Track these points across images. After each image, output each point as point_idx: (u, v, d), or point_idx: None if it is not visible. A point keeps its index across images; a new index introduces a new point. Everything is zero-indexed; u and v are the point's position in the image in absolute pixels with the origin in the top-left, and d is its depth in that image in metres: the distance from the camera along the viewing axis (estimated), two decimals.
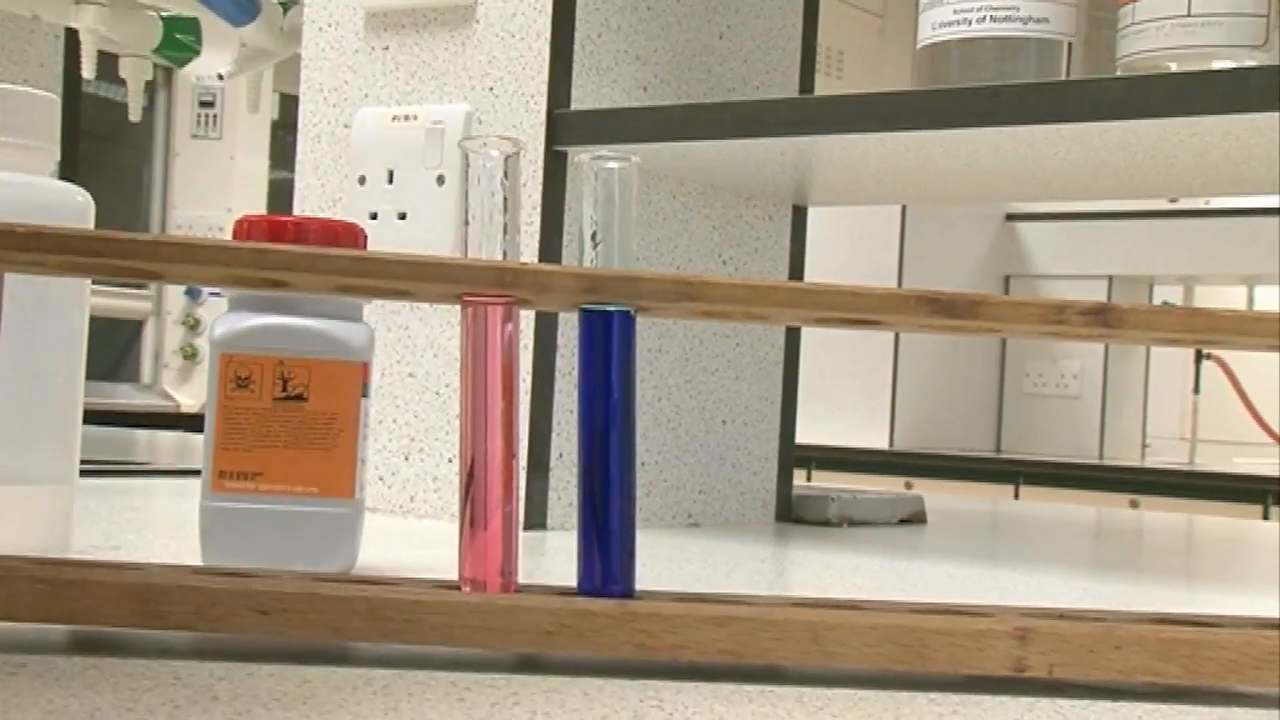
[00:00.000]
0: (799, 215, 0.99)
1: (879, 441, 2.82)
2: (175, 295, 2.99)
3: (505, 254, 0.44)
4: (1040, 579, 0.71)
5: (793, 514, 0.97)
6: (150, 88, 2.48)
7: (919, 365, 2.87)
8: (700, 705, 0.38)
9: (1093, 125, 0.70)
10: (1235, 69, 0.70)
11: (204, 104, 3.04)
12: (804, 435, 1.04)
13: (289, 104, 2.87)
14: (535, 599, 0.42)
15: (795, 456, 1.00)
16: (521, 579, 0.44)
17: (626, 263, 0.44)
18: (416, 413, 0.85)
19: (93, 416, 0.65)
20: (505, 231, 0.44)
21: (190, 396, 2.93)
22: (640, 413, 0.86)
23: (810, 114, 0.76)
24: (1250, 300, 3.12)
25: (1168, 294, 3.15)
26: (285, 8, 1.49)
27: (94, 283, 0.53)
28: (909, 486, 2.43)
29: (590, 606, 0.41)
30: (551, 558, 0.71)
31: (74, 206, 0.53)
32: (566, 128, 0.81)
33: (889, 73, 2.66)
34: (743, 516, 0.95)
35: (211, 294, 2.89)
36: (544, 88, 0.82)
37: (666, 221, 0.89)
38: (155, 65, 1.69)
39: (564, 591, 0.44)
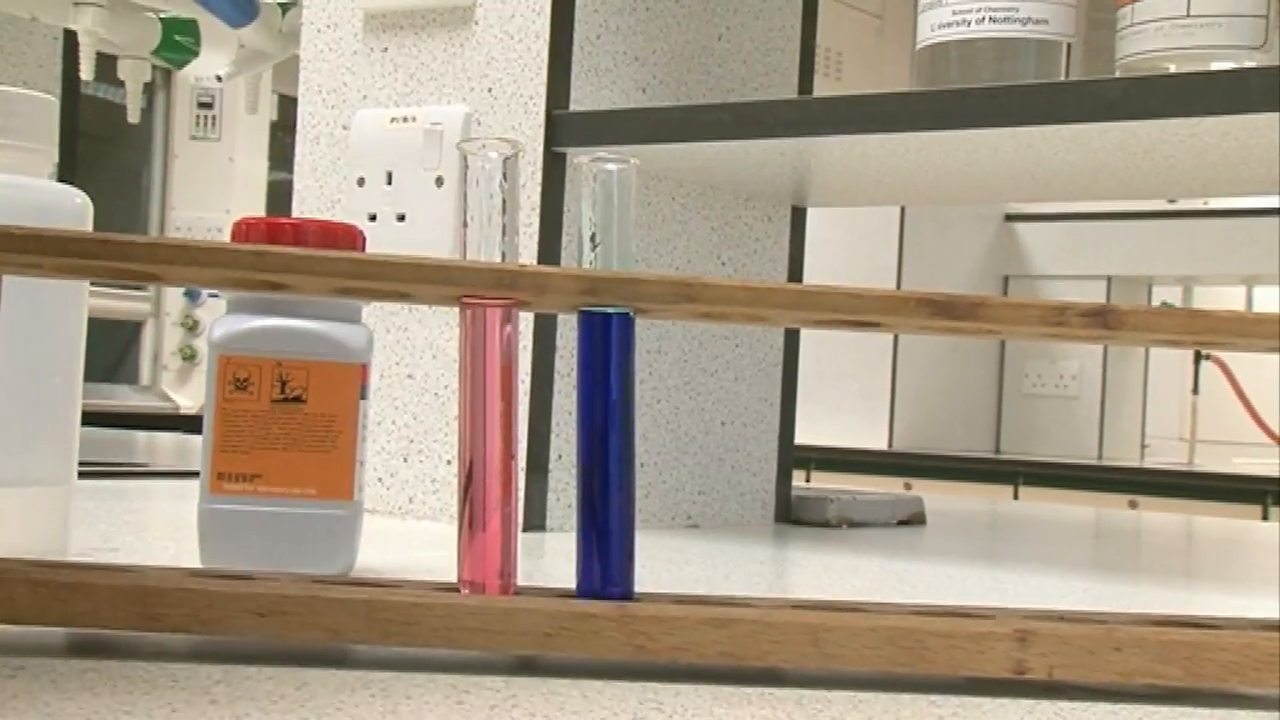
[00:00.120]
0: (798, 216, 0.99)
1: (878, 442, 2.82)
2: (174, 297, 2.99)
3: (504, 256, 0.44)
4: (1040, 580, 0.71)
5: (792, 515, 0.97)
6: (149, 89, 2.48)
7: (918, 366, 2.87)
8: (700, 707, 0.38)
9: (1092, 126, 0.70)
10: (1234, 70, 0.70)
11: (203, 105, 3.04)
12: (803, 436, 1.04)
13: (288, 105, 2.87)
14: (534, 601, 0.42)
15: (794, 458, 0.99)
16: (520, 581, 0.44)
17: (625, 264, 0.44)
18: (415, 414, 0.85)
19: (91, 418, 0.65)
20: (504, 233, 0.44)
21: (189, 398, 2.93)
22: (639, 414, 0.86)
23: (809, 115, 0.76)
24: (1249, 301, 3.12)
25: (1167, 294, 3.15)
26: (284, 9, 1.49)
27: (93, 284, 0.52)
28: (908, 487, 2.43)
29: (589, 608, 0.41)
30: (550, 559, 0.71)
31: (72, 208, 0.53)
32: (565, 129, 0.81)
33: (888, 74, 2.66)
34: (742, 518, 0.95)
35: (210, 295, 2.89)
36: (543, 89, 0.82)
37: (665, 223, 0.89)
38: (154, 67, 1.69)
39: (563, 593, 0.44)
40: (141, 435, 1.60)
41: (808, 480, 1.70)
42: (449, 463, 0.83)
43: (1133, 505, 2.50)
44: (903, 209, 2.77)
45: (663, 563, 0.70)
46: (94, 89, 2.74)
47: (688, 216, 0.90)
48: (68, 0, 1.48)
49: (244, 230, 0.54)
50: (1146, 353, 3.08)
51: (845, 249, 2.77)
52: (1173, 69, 0.72)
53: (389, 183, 0.86)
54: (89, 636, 0.42)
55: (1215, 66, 0.71)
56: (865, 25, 2.69)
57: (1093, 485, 2.61)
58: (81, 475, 0.55)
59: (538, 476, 0.81)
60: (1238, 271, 2.96)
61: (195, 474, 0.54)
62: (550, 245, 0.81)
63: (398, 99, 0.87)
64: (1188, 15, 0.72)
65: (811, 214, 1.01)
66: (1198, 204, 2.88)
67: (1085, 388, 3.01)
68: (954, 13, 0.76)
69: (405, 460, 0.85)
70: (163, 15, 1.63)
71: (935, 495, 1.19)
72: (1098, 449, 2.97)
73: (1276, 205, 2.62)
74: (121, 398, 2.87)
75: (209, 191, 3.03)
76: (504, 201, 0.44)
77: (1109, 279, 3.01)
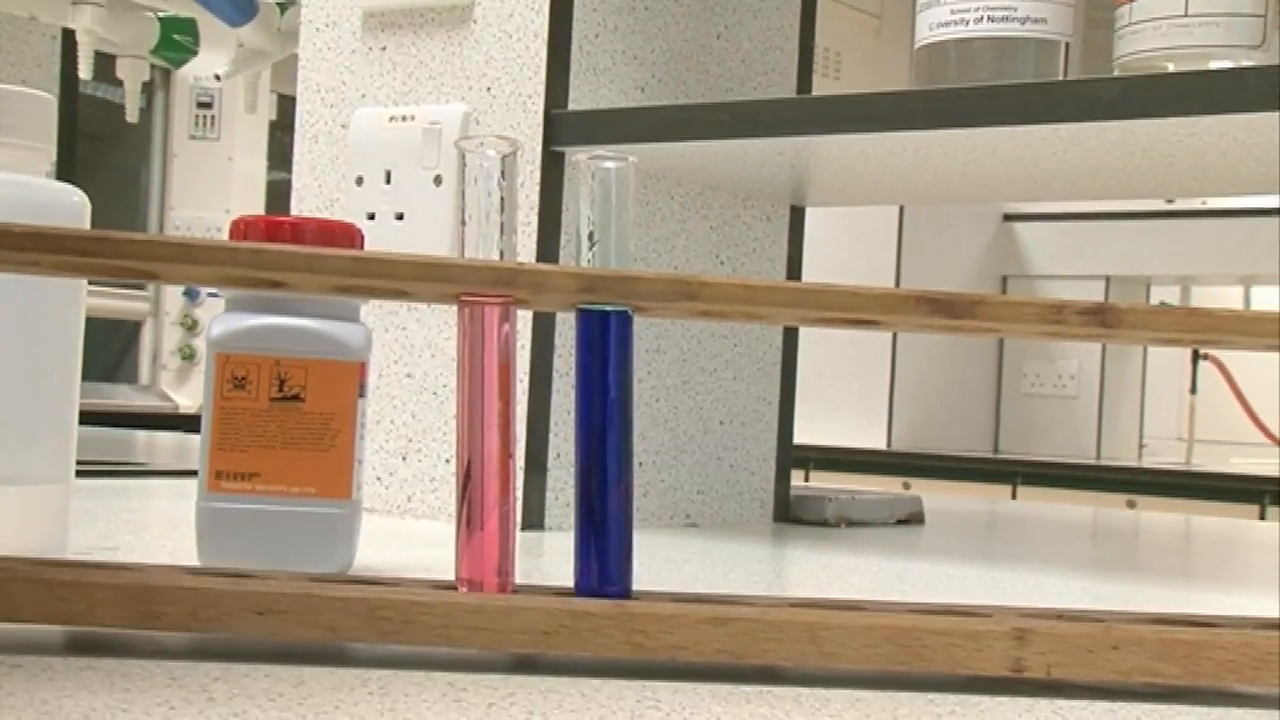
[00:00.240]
0: (797, 215, 0.99)
1: (877, 442, 2.82)
2: (174, 296, 2.99)
3: (502, 254, 0.44)
4: (1038, 579, 0.71)
5: (791, 514, 0.97)
6: (148, 88, 2.48)
7: (917, 366, 2.87)
8: (698, 706, 0.38)
9: (1090, 125, 0.70)
10: (1232, 69, 0.70)
11: (202, 105, 3.04)
12: (802, 436, 1.04)
13: (287, 105, 2.86)
14: (532, 599, 0.42)
15: (793, 457, 0.99)
16: (518, 579, 0.44)
17: (624, 263, 0.44)
18: (414, 413, 0.85)
19: (91, 417, 0.65)
20: (502, 231, 0.44)
21: (188, 397, 2.93)
22: (638, 413, 0.86)
23: (808, 114, 0.76)
24: (1247, 300, 3.12)
25: (1165, 294, 3.15)
26: (282, 8, 1.49)
27: (93, 284, 0.52)
28: (907, 487, 2.43)
29: (587, 607, 0.41)
30: (549, 558, 0.70)
31: (70, 206, 0.52)
32: (564, 128, 0.81)
33: (886, 73, 2.66)
34: (740, 517, 0.95)
35: (210, 295, 2.89)
36: (541, 88, 0.82)
37: (664, 222, 0.88)
38: (152, 66, 1.69)
39: (561, 592, 0.44)
40: (140, 434, 1.60)
41: (806, 479, 1.70)
42: (447, 461, 0.83)
43: (1131, 505, 2.50)
44: (901, 209, 2.77)
45: (661, 562, 0.70)
46: (93, 89, 2.74)
47: (686, 216, 0.90)
48: None
49: (242, 228, 0.54)
50: (1145, 353, 3.08)
51: (844, 249, 2.77)
52: (1171, 68, 0.72)
53: (387, 181, 0.86)
54: (87, 634, 0.42)
55: (1213, 66, 0.71)
56: (864, 25, 2.69)
57: (1091, 485, 2.61)
58: (80, 474, 0.55)
59: (536, 475, 0.81)
60: (1235, 271, 2.96)
61: (194, 473, 0.54)
62: (548, 244, 0.81)
63: (396, 98, 0.87)
64: (1186, 14, 0.72)
65: (810, 213, 1.01)
66: (1196, 204, 2.88)
67: (1083, 387, 3.01)
68: (952, 12, 0.76)
69: (404, 459, 0.85)
70: (161, 14, 1.63)
71: (933, 495, 1.19)
72: (1096, 449, 2.97)
73: (1274, 205, 2.62)
74: (121, 397, 2.87)
75: (208, 191, 3.03)
76: (502, 200, 0.44)
77: (1107, 279, 3.01)
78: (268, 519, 0.52)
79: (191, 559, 0.53)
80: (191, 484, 0.54)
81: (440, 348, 0.84)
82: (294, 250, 0.43)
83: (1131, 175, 0.83)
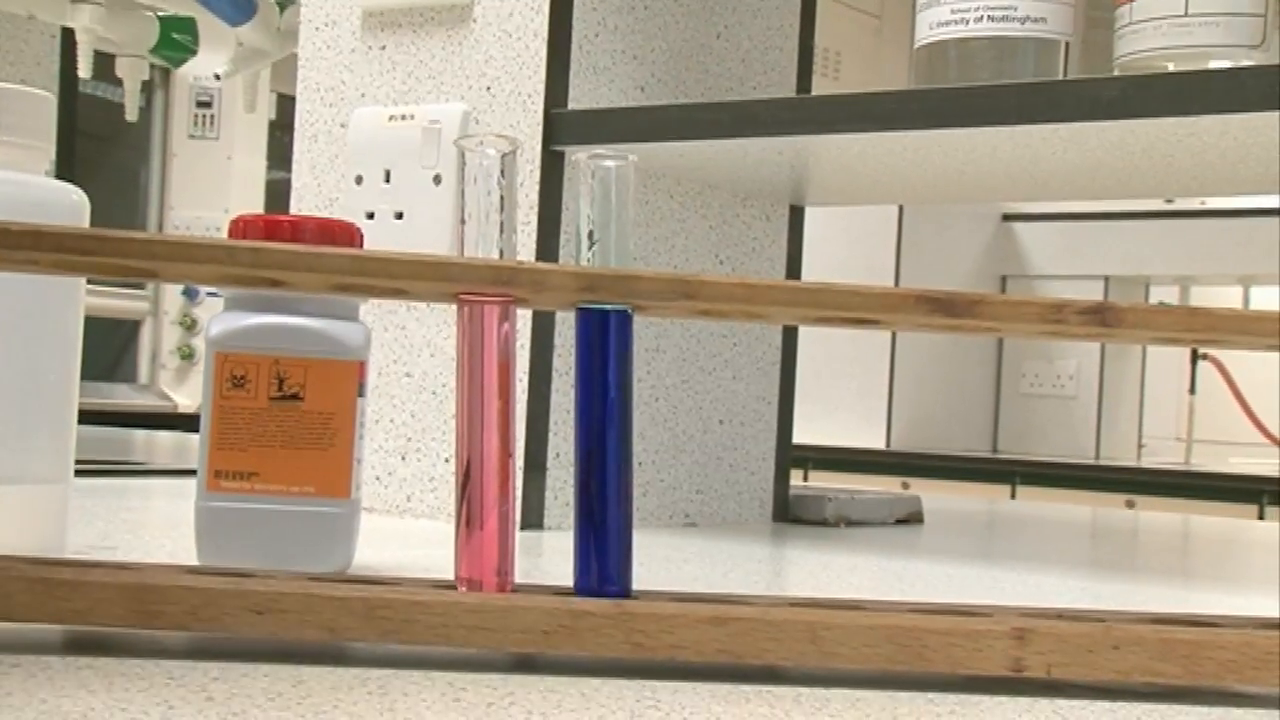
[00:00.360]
0: (796, 215, 0.99)
1: (876, 441, 2.82)
2: (173, 295, 2.99)
3: (502, 253, 0.44)
4: (1037, 579, 0.71)
5: (790, 514, 0.97)
6: (147, 88, 2.48)
7: (916, 365, 2.87)
8: (697, 705, 0.38)
9: (1090, 125, 0.70)
10: (1232, 69, 0.70)
11: (201, 104, 3.04)
12: (801, 435, 1.04)
13: (286, 104, 2.86)
14: (531, 599, 0.42)
15: (792, 456, 0.99)
16: (518, 579, 0.44)
17: (623, 262, 0.44)
18: (413, 412, 0.85)
19: (90, 416, 0.65)
20: (502, 230, 0.44)
21: (187, 396, 2.93)
22: (637, 412, 0.86)
23: (807, 113, 0.76)
24: (1246, 300, 3.12)
25: (1164, 294, 3.15)
26: (282, 7, 1.49)
27: (92, 283, 0.52)
28: (906, 486, 2.43)
29: (587, 606, 0.41)
30: (548, 558, 0.70)
31: (69, 205, 0.52)
32: (563, 127, 0.81)
33: (886, 74, 2.66)
34: (740, 516, 0.95)
35: (209, 294, 2.89)
36: (541, 87, 0.82)
37: (663, 221, 0.88)
38: (152, 65, 1.69)
39: (560, 591, 0.44)
40: (140, 434, 1.60)
41: (805, 479, 1.70)
42: (447, 461, 0.83)
43: (1130, 505, 2.50)
44: (900, 208, 2.77)
45: (660, 561, 0.70)
46: (93, 88, 2.74)
47: (686, 215, 0.90)
48: None
49: (241, 227, 0.54)
50: (1143, 353, 3.08)
51: (843, 248, 2.77)
52: (1171, 68, 0.72)
53: (387, 181, 0.86)
54: (86, 634, 0.42)
55: (1213, 65, 0.71)
56: (863, 25, 2.69)
57: (1090, 485, 2.61)
58: (79, 474, 0.55)
59: (535, 474, 0.81)
60: (1234, 271, 2.96)
61: (193, 472, 0.54)
62: (548, 243, 0.81)
63: (396, 97, 0.87)
64: (1186, 14, 0.72)
65: (809, 213, 1.01)
66: (1195, 204, 2.88)
67: (1083, 387, 3.01)
68: (952, 11, 0.76)
69: (403, 458, 0.85)
70: (161, 13, 1.63)
71: (932, 494, 1.19)
72: (1095, 449, 2.97)
73: (1273, 205, 2.62)
74: (120, 396, 2.87)
75: (207, 190, 3.03)
76: (502, 199, 0.44)
77: (1106, 279, 3.01)
78: (267, 518, 0.52)
79: (190, 558, 0.53)
80: (190, 483, 0.54)
81: (439, 347, 0.84)
82: (293, 249, 0.43)
83: (1131, 175, 0.83)
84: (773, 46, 0.96)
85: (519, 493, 0.80)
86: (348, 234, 0.55)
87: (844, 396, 2.82)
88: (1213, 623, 0.44)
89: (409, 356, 0.85)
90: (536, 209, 0.81)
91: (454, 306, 0.44)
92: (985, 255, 3.08)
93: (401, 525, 0.80)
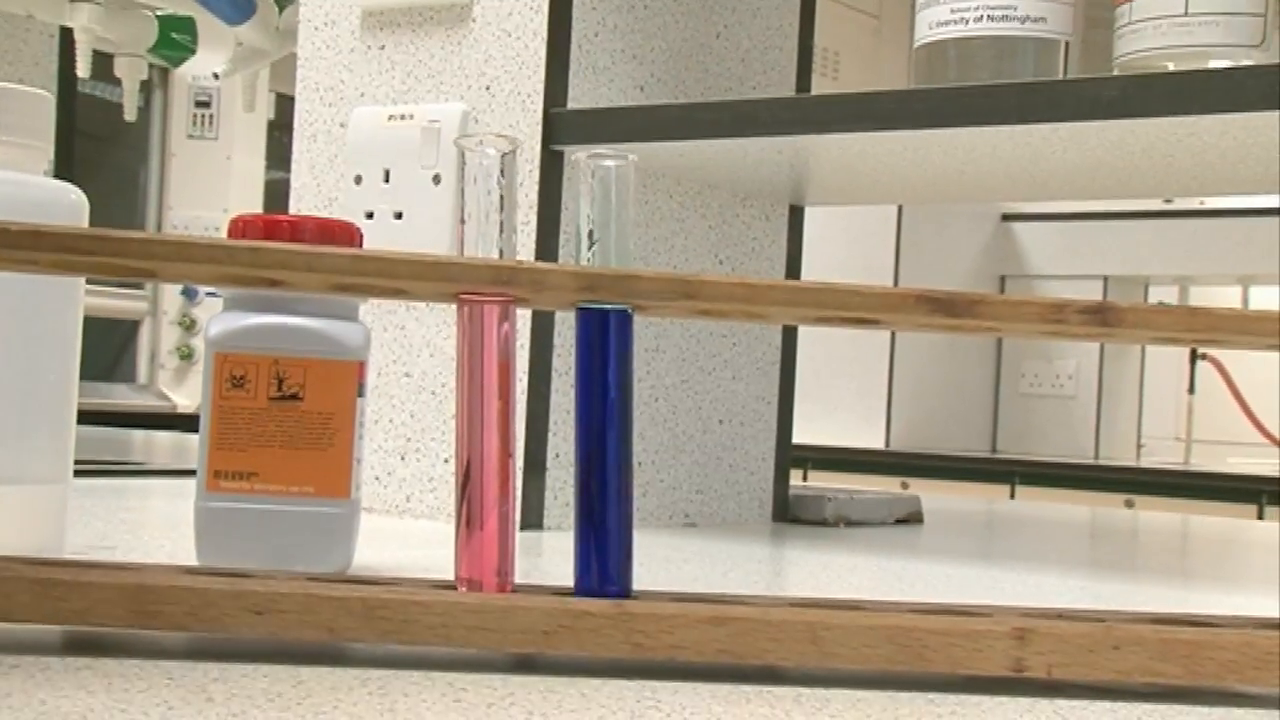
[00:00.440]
0: (796, 215, 0.99)
1: (875, 442, 2.82)
2: (172, 296, 2.99)
3: (501, 253, 0.44)
4: (1037, 578, 0.71)
5: (790, 514, 0.97)
6: (146, 87, 2.48)
7: (915, 365, 2.87)
8: (698, 705, 0.38)
9: (1089, 125, 0.69)
10: (1232, 68, 0.70)
11: (200, 104, 3.04)
12: (800, 435, 1.04)
13: (285, 104, 2.86)
14: (531, 599, 0.42)
15: (792, 456, 0.99)
16: (518, 579, 0.44)
17: (623, 262, 0.44)
18: (413, 412, 0.85)
19: (89, 417, 0.65)
20: (501, 230, 0.44)
21: (186, 397, 2.93)
22: (637, 412, 0.86)
23: (807, 113, 0.76)
24: (1245, 300, 3.13)
25: (1163, 294, 3.15)
26: (281, 7, 1.48)
27: (91, 283, 0.52)
28: (905, 486, 2.43)
29: (587, 607, 0.41)
30: (548, 558, 0.70)
31: (68, 205, 0.52)
32: (563, 127, 0.81)
33: (885, 73, 2.66)
34: (740, 516, 0.95)
35: (208, 294, 2.89)
36: (540, 87, 0.82)
37: (663, 221, 0.88)
38: (151, 65, 1.69)
39: (560, 591, 0.43)
40: (139, 434, 1.60)
41: (805, 479, 1.70)
42: (446, 461, 0.83)
43: (1129, 505, 2.50)
44: (900, 208, 2.77)
45: (660, 561, 0.69)
46: (91, 88, 2.74)
47: (685, 215, 0.90)
48: None
49: (240, 227, 0.54)
50: (1143, 353, 3.08)
51: (842, 248, 2.77)
52: (1171, 67, 0.72)
53: (386, 180, 0.86)
54: (85, 634, 0.42)
55: (1213, 65, 0.71)
56: (863, 25, 2.69)
57: (1089, 485, 2.61)
58: (78, 474, 0.55)
59: (535, 475, 0.81)
60: (1234, 271, 2.96)
61: (192, 472, 0.54)
62: (548, 243, 0.81)
63: (395, 97, 0.87)
64: (1186, 14, 0.72)
65: (809, 213, 1.01)
66: (1194, 204, 2.88)
67: (1082, 387, 3.01)
68: (952, 11, 0.76)
69: (403, 458, 0.85)
70: (160, 13, 1.62)
71: (932, 494, 1.19)
72: (1094, 449, 2.97)
73: (1273, 205, 2.62)
74: (119, 396, 2.87)
75: (206, 190, 3.03)
76: (501, 198, 0.44)
77: (1105, 279, 3.01)
78: (266, 518, 0.52)
79: (190, 558, 0.53)
80: (190, 483, 0.54)
81: (439, 347, 0.84)
82: (292, 249, 0.43)
83: (1131, 175, 0.83)
84: (772, 46, 0.96)
85: (519, 493, 0.80)
86: (347, 234, 0.55)
87: (843, 396, 2.82)
88: (1213, 623, 0.44)
89: (408, 356, 0.85)
90: (536, 209, 0.81)
91: (454, 306, 0.44)
92: (984, 255, 3.09)
93: (401, 525, 0.80)
